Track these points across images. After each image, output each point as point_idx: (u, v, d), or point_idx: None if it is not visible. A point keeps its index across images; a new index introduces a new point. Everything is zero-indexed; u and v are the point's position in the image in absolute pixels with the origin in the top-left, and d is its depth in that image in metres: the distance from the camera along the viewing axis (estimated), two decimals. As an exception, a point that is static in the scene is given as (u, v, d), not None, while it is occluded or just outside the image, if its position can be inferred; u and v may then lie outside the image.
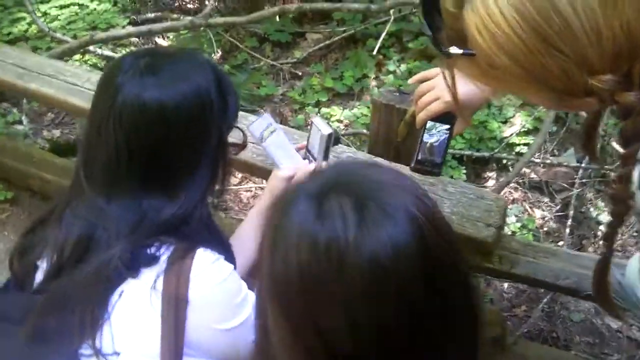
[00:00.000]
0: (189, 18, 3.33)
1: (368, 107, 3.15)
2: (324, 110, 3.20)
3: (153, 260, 1.08)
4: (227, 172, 1.23)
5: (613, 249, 1.02)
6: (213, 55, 3.59)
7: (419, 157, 1.44)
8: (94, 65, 3.39)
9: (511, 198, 2.96)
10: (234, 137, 1.27)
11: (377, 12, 3.24)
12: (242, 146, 1.29)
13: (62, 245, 1.11)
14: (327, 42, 3.60)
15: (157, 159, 1.11)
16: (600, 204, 2.95)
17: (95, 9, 3.77)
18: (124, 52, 3.52)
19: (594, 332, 2.40)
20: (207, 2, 3.52)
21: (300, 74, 3.51)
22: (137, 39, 3.57)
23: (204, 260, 1.11)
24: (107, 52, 3.40)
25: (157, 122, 1.09)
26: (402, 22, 3.49)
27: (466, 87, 1.12)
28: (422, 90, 1.40)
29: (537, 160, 2.92)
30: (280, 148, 1.55)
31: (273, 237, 0.77)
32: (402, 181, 0.79)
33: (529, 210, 2.91)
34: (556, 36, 0.73)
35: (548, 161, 2.95)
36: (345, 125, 3.14)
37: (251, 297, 1.17)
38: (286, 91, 3.40)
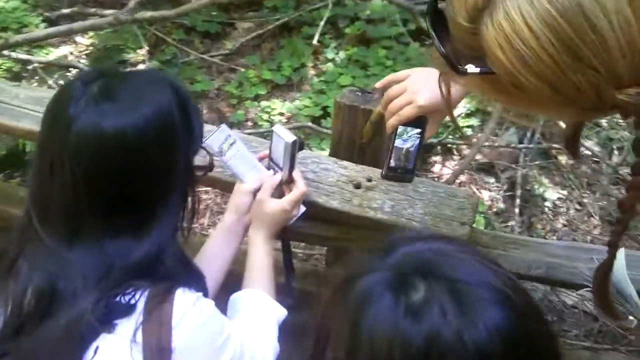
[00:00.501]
0: (110, 12, 3.12)
1: (310, 98, 3.07)
2: (263, 103, 3.09)
3: (128, 309, 0.97)
4: (196, 198, 1.13)
5: (614, 255, 1.00)
6: (139, 50, 3.39)
7: (391, 164, 1.38)
8: (8, 70, 3.13)
9: (458, 181, 2.97)
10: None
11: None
12: (209, 168, 1.18)
13: (20, 300, 0.98)
14: (260, 31, 3.48)
15: (121, 194, 0.99)
16: (545, 180, 3.01)
17: (3, 7, 3.47)
18: (42, 54, 3.26)
19: (552, 310, 2.45)
20: (129, -5, 3.30)
21: (234, 66, 3.37)
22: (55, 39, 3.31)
23: (184, 303, 1.01)
24: (23, 56, 3.13)
25: (119, 153, 0.97)
26: (337, 8, 3.41)
27: (435, 92, 1.09)
28: (392, 94, 1.33)
29: (486, 143, 2.93)
30: (241, 160, 1.46)
31: (351, 341, 0.67)
32: (473, 252, 0.71)
33: (477, 192, 2.92)
34: (590, 52, 0.67)
35: (497, 144, 2.97)
36: (287, 119, 3.04)
37: (232, 332, 1.09)
38: (222, 85, 3.26)
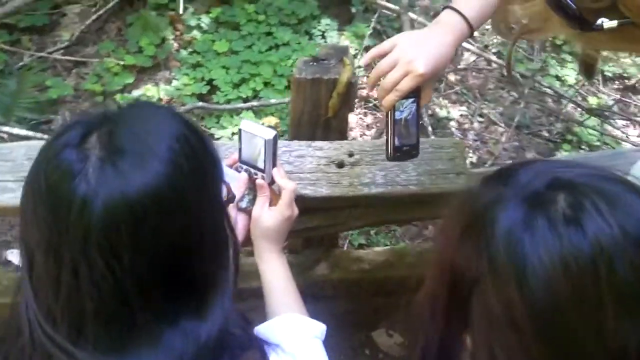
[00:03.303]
0: None
1: (187, 75, 2.74)
2: (136, 93, 2.70)
3: None
4: (237, 243, 0.90)
5: None
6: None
7: (396, 143, 1.21)
8: None
9: (365, 124, 2.86)
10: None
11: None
12: (230, 201, 0.94)
13: None
14: (100, 12, 3.01)
15: (175, 269, 0.76)
16: (444, 101, 3.00)
17: None
18: None
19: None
20: None
21: (82, 59, 2.90)
22: None
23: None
24: None
25: (159, 220, 0.73)
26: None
27: (432, 55, 1.11)
28: (383, 69, 1.14)
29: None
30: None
31: (517, 275, 0.64)
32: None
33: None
34: None
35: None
36: (171, 102, 2.69)
37: None
38: (77, 84, 2.80)
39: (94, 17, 3.01)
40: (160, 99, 2.69)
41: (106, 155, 0.71)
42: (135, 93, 2.70)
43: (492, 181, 0.74)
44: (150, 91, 2.69)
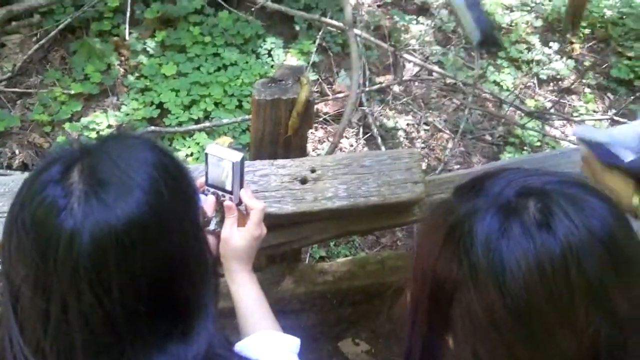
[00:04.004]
0: None
1: (135, 100, 2.73)
2: (85, 120, 2.67)
3: None
4: (216, 265, 0.92)
5: None
6: None
7: (482, 26, 1.20)
8: None
9: (317, 138, 2.91)
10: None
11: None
12: (205, 224, 0.97)
13: None
14: (42, 41, 2.96)
15: (162, 294, 0.77)
16: (390, 112, 3.08)
17: None
18: None
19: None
20: None
21: (26, 89, 2.85)
22: None
23: None
24: None
25: (145, 248, 0.74)
26: (120, -6, 3.03)
27: None
28: None
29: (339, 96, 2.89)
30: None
31: (495, 280, 0.68)
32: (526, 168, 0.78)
33: (340, 143, 2.89)
34: None
35: (339, 95, 2.94)
36: (121, 127, 2.68)
37: None
38: (23, 115, 2.75)
39: (35, 46, 2.96)
40: (110, 125, 2.67)
41: (89, 188, 0.72)
42: (84, 120, 2.67)
43: (466, 192, 0.77)
44: (99, 118, 2.67)
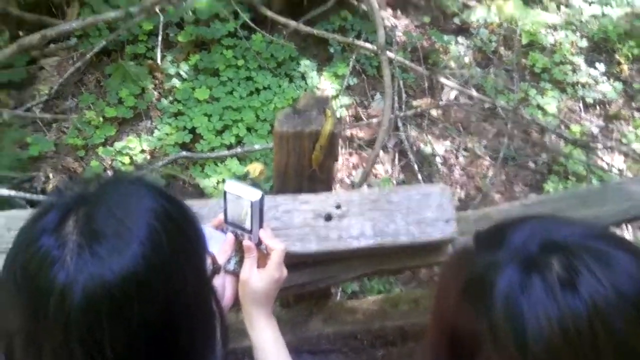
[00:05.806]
0: None
1: (169, 125, 2.71)
2: (118, 145, 2.66)
3: None
4: (223, 313, 0.87)
5: None
6: None
7: None
8: None
9: (351, 164, 2.84)
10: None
11: (132, 16, 2.73)
12: (215, 271, 0.91)
13: None
14: (78, 64, 2.98)
15: (161, 346, 0.73)
16: (427, 137, 2.98)
17: None
18: None
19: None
20: None
21: (61, 114, 2.87)
22: None
23: None
24: None
25: (141, 303, 0.70)
26: (156, 17, 3.02)
27: None
28: None
29: (374, 121, 2.82)
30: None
31: (516, 338, 0.65)
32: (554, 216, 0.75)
33: (374, 169, 2.81)
34: None
35: (374, 120, 2.87)
36: (151, 154, 2.66)
37: None
38: (58, 139, 2.76)
39: (71, 69, 2.99)
40: (143, 150, 2.65)
41: (84, 240, 0.68)
42: (118, 145, 2.66)
43: (487, 242, 0.74)
44: (133, 142, 2.66)
